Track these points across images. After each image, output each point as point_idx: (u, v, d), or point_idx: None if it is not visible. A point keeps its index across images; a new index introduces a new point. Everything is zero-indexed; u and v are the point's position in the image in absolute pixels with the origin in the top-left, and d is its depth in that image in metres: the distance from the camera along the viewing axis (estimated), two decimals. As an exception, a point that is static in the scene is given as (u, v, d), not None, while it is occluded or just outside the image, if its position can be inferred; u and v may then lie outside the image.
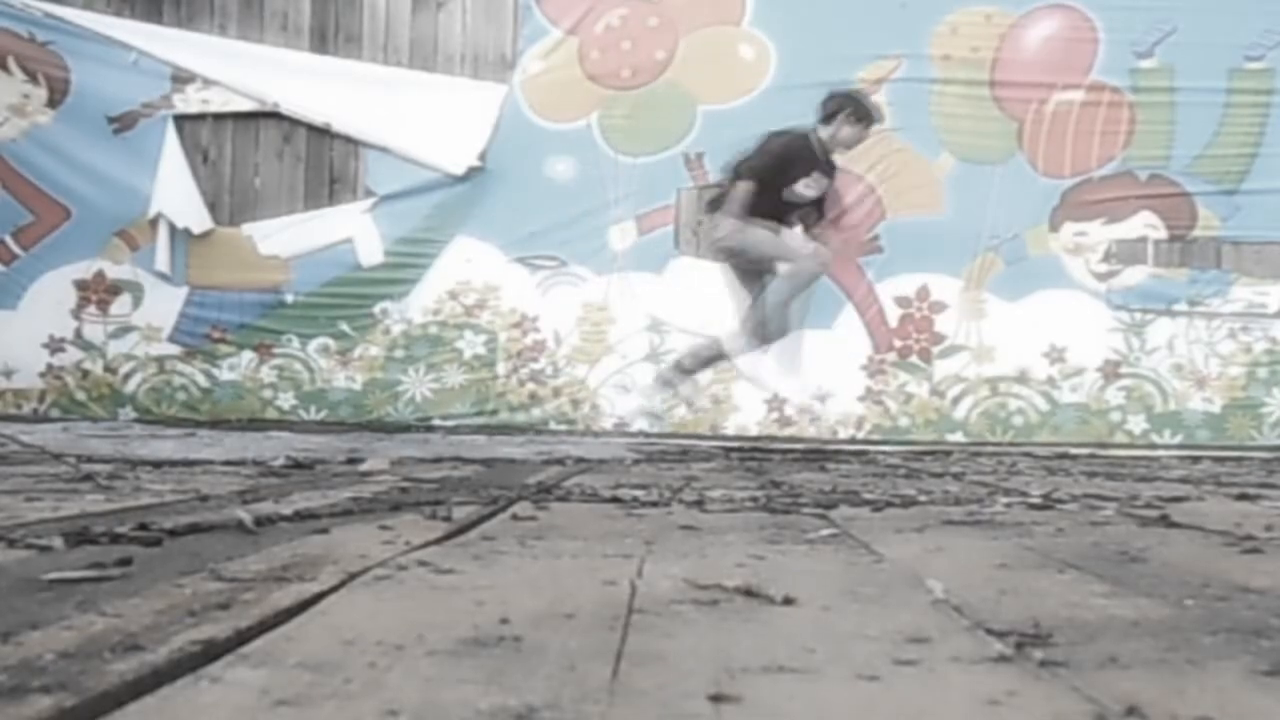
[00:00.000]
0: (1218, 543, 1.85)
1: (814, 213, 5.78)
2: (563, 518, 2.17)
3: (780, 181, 5.60)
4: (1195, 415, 6.84)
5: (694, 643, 1.00)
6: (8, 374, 6.74)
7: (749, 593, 1.25)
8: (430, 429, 6.63)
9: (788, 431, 6.74)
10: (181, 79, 6.77)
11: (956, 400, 6.83)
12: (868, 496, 2.73)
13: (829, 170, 5.75)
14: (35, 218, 6.72)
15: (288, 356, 6.79)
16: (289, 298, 6.78)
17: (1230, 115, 6.78)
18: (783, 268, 5.70)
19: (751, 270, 5.77)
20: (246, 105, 6.82)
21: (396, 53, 6.89)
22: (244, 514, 1.90)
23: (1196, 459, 5.79)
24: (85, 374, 6.74)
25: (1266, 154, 6.78)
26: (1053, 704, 0.81)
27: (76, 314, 6.73)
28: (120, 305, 6.75)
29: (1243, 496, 2.98)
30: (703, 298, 6.73)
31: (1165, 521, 2.19)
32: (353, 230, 6.78)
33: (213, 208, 6.81)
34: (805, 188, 5.65)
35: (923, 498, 2.72)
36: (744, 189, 5.56)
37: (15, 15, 6.70)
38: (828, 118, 5.70)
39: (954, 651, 0.97)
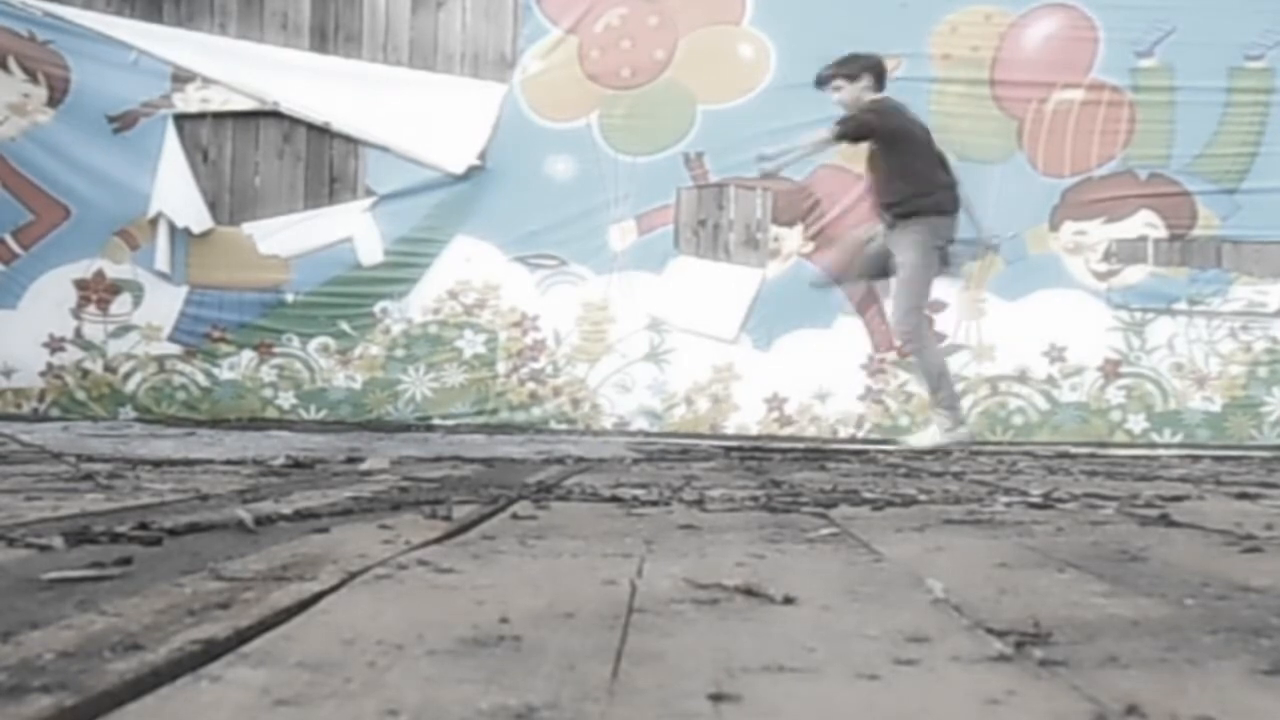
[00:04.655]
0: (1218, 542, 1.85)
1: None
2: (563, 517, 2.16)
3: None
4: (1195, 414, 6.84)
5: (694, 642, 1.00)
6: (8, 373, 6.74)
7: (749, 592, 1.25)
8: (430, 428, 6.63)
9: (787, 431, 6.75)
10: (181, 78, 6.77)
11: (956, 399, 6.82)
12: (868, 495, 2.73)
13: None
14: (35, 217, 6.72)
15: (288, 356, 6.79)
16: (289, 297, 6.78)
17: (1230, 114, 6.78)
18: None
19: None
20: (246, 104, 6.82)
21: (396, 52, 6.89)
22: (244, 513, 1.90)
23: (1197, 458, 5.78)
24: (85, 373, 6.74)
25: (1266, 153, 6.78)
26: (1052, 703, 0.81)
27: (76, 313, 6.73)
28: (120, 304, 6.75)
29: (1243, 495, 2.97)
30: (702, 297, 6.77)
31: (1165, 521, 2.19)
32: (353, 229, 6.79)
33: (213, 207, 6.81)
34: None
35: (923, 497, 2.72)
36: None
37: (15, 14, 6.70)
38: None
39: (954, 651, 0.97)
